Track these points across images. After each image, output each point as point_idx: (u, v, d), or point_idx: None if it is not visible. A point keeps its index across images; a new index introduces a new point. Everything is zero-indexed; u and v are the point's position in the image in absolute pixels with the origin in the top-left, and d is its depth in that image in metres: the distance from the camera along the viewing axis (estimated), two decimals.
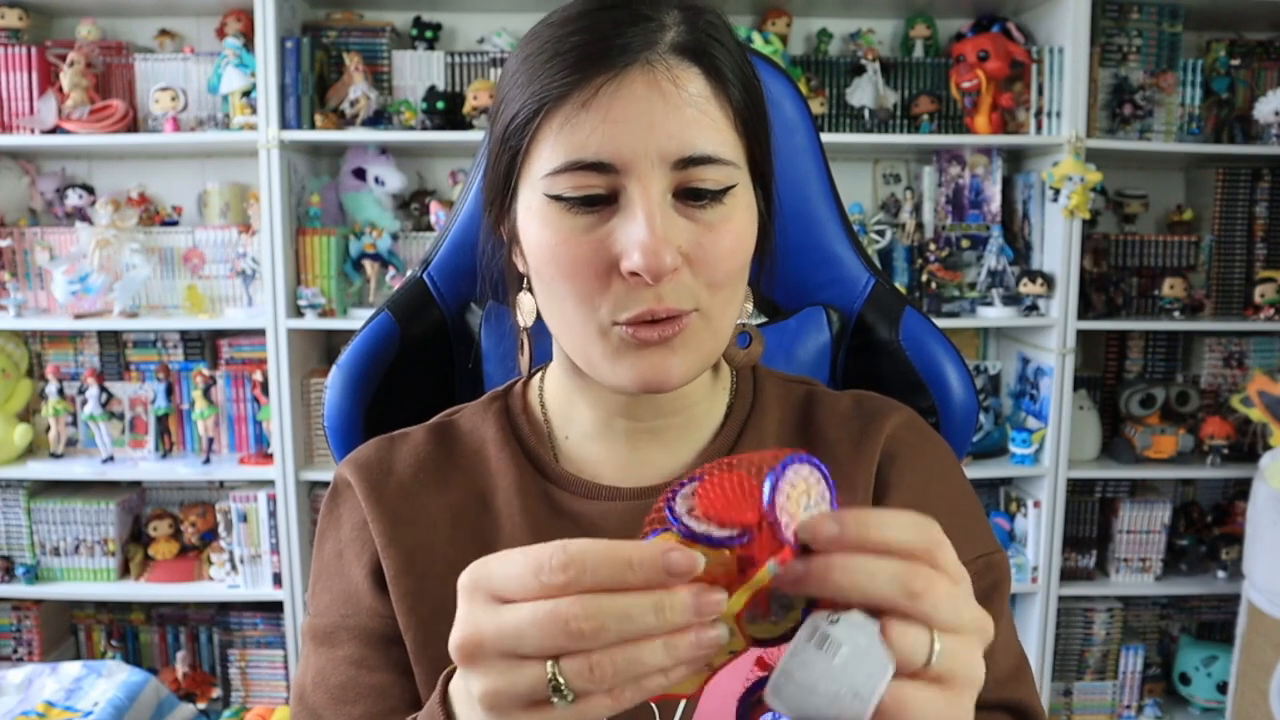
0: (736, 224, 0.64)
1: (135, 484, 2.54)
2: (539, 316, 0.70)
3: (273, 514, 2.36)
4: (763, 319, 0.96)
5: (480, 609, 0.46)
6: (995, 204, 2.49)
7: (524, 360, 0.75)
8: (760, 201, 0.69)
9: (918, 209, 2.51)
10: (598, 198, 0.62)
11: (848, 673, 0.41)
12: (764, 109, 0.68)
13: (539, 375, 0.79)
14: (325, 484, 2.40)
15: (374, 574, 0.71)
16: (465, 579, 0.47)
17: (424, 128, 2.29)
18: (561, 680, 0.43)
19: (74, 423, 2.45)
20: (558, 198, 0.62)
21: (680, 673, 0.43)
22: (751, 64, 0.68)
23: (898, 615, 0.43)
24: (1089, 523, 2.53)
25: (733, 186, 0.63)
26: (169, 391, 2.44)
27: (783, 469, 0.43)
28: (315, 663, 0.70)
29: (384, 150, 2.41)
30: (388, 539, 0.71)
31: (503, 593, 0.45)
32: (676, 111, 0.61)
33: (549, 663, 0.43)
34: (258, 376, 2.41)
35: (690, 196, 0.62)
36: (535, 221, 0.64)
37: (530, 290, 0.70)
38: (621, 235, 0.61)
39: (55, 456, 2.42)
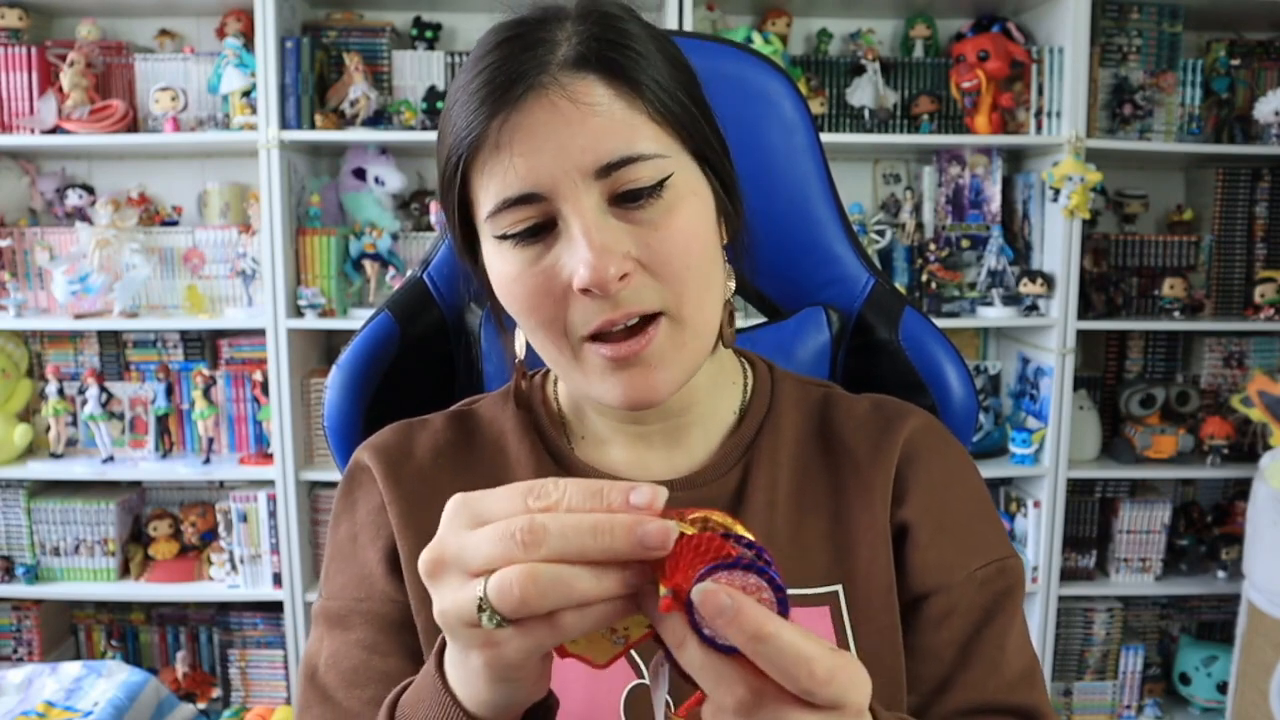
0: (683, 216, 0.64)
1: (135, 484, 2.54)
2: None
3: (273, 514, 2.36)
4: (762, 319, 0.96)
5: (454, 530, 0.47)
6: (995, 204, 2.49)
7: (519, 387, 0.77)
8: (714, 181, 0.68)
9: (918, 209, 2.51)
10: (538, 228, 0.62)
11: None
12: (693, 88, 0.67)
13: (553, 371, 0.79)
14: (325, 484, 2.41)
15: (389, 558, 0.71)
16: (451, 504, 0.48)
17: (424, 128, 2.29)
18: (486, 596, 0.44)
19: (74, 423, 2.45)
20: (503, 237, 0.63)
21: (604, 611, 0.44)
22: (671, 45, 0.67)
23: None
24: (1089, 523, 2.53)
25: (667, 178, 0.63)
26: (169, 391, 2.44)
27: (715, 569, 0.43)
28: (329, 645, 0.70)
29: (384, 150, 2.41)
30: (404, 520, 0.71)
31: (486, 516, 0.46)
32: (581, 124, 0.60)
33: (481, 580, 0.44)
34: (258, 376, 2.41)
35: (626, 200, 0.62)
36: (495, 260, 0.66)
37: None
38: (566, 258, 0.62)
39: (55, 456, 2.42)
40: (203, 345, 2.50)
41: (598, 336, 0.64)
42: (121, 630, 2.58)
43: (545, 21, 0.63)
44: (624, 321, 0.62)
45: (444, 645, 0.53)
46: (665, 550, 0.43)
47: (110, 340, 2.48)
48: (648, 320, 0.63)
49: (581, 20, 0.63)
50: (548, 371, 0.79)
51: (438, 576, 0.47)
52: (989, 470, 2.44)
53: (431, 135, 2.27)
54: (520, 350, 0.74)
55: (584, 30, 0.63)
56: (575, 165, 0.60)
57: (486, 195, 0.63)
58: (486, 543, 0.44)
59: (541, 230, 0.62)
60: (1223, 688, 2.49)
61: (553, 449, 0.74)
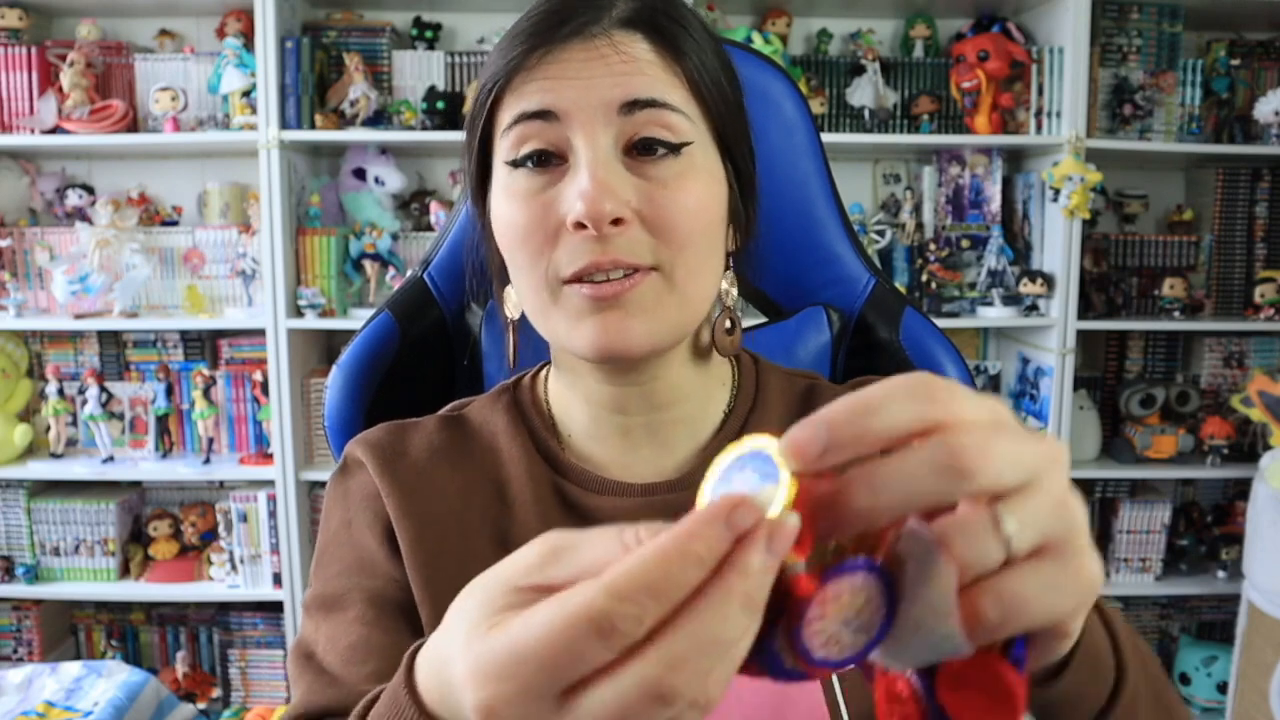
0: (695, 184, 0.64)
1: (135, 484, 2.54)
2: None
3: (273, 514, 2.36)
4: (763, 319, 0.96)
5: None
6: (995, 204, 2.49)
7: (511, 352, 0.76)
8: (730, 175, 0.68)
9: (918, 209, 2.51)
10: (548, 157, 0.63)
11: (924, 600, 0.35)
12: (733, 85, 0.68)
13: (544, 371, 0.79)
14: (325, 484, 2.40)
15: (388, 540, 0.70)
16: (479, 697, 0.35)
17: (424, 128, 2.29)
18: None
19: (74, 423, 2.45)
20: (513, 163, 0.64)
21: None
22: (720, 47, 0.68)
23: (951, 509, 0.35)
24: (1089, 523, 2.53)
25: (689, 144, 0.63)
26: (169, 391, 2.44)
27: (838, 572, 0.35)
28: (326, 629, 0.69)
29: (384, 150, 2.41)
30: (401, 511, 0.70)
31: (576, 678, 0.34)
32: (620, 66, 0.62)
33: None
34: (258, 376, 2.41)
35: (642, 150, 0.63)
36: (501, 196, 0.66)
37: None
38: (568, 191, 0.62)
39: (55, 456, 2.42)
40: (203, 345, 2.50)
41: (579, 279, 0.63)
42: (121, 630, 2.58)
43: None
44: (610, 269, 0.62)
45: (411, 665, 0.44)
46: (759, 522, 0.34)
47: (110, 340, 2.48)
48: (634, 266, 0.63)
49: None
50: (538, 371, 0.79)
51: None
52: None
53: (431, 135, 2.27)
54: (511, 311, 0.73)
55: None
56: (601, 98, 0.61)
57: (507, 116, 0.64)
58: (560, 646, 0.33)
59: (550, 161, 0.63)
60: (1223, 688, 2.49)
61: (543, 449, 0.74)
